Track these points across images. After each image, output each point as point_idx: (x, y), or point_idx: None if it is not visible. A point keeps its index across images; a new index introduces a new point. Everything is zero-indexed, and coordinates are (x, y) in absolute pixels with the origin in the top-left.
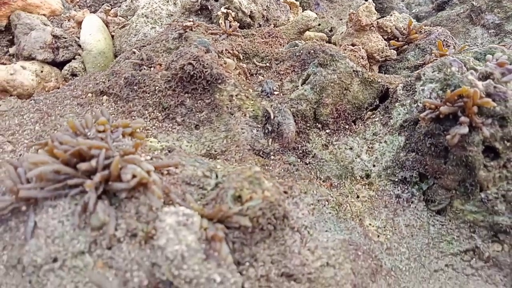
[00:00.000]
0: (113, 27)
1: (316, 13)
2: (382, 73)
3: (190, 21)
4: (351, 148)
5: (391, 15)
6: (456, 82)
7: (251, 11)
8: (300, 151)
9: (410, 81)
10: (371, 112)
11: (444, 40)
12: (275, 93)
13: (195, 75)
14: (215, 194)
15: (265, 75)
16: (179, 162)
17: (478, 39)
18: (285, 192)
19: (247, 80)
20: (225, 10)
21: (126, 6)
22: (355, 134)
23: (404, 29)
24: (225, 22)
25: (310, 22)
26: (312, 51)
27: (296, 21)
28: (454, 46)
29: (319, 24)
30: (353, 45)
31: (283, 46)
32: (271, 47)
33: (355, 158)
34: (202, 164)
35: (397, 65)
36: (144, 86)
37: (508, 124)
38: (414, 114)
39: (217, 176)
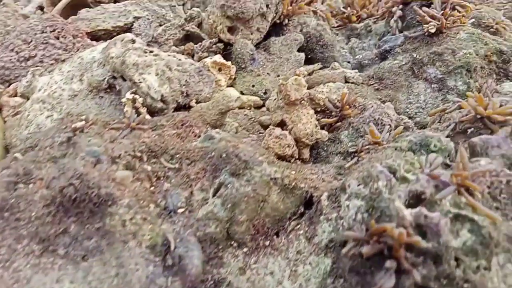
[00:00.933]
0: (8, 111)
1: (252, 70)
2: (313, 157)
3: (82, 120)
4: (271, 273)
5: (325, 85)
6: (383, 207)
7: (162, 95)
8: (211, 282)
9: (336, 191)
10: (295, 222)
11: (379, 118)
12: (180, 210)
13: (78, 198)
14: None
15: (173, 180)
16: None
17: (421, 96)
18: None
19: (151, 188)
20: (130, 96)
21: (27, 82)
22: (277, 252)
23: (338, 101)
24: (132, 110)
25: (231, 103)
26: (224, 155)
27: (217, 101)
28: (390, 125)
29: (253, 86)
30: (281, 124)
31: (199, 136)
32: (184, 140)
33: (277, 285)
34: None
35: (329, 147)
36: (18, 212)
37: (443, 261)
38: (340, 234)
39: None
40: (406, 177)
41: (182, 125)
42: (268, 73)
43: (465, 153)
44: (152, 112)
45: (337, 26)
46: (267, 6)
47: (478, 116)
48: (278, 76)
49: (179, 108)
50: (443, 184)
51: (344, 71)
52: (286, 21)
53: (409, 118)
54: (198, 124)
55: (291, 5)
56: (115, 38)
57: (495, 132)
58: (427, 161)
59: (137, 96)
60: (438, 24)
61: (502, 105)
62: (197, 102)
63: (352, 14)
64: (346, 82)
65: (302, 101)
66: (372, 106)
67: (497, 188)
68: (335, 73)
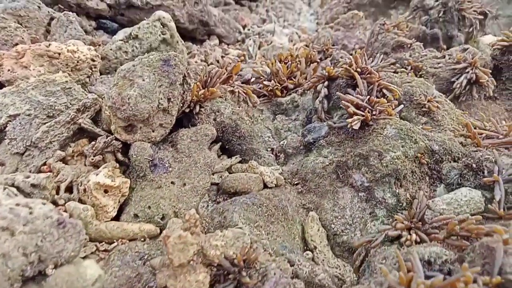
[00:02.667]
0: None
1: (153, 179)
2: None
3: None
4: None
5: (222, 232)
6: None
7: None
8: None
9: None
10: None
11: None
12: None
13: None
14: None
15: None
16: None
17: (347, 209)
18: None
19: None
20: None
21: None
22: None
23: (235, 257)
24: None
25: None
26: None
27: (71, 281)
28: None
29: (149, 207)
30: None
31: None
32: None
33: None
34: None
35: None
36: None
37: None
38: None
39: None
40: None
41: None
42: (172, 182)
43: None
44: None
45: (262, 97)
46: (169, 100)
47: None
48: (185, 185)
49: (32, 277)
50: None
51: (262, 172)
52: (198, 108)
53: (335, 235)
54: None
55: (204, 88)
56: None
57: None
58: None
59: None
60: (363, 116)
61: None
62: (57, 266)
63: (276, 88)
64: (265, 187)
65: (191, 262)
66: (275, 274)
67: None
68: (251, 178)
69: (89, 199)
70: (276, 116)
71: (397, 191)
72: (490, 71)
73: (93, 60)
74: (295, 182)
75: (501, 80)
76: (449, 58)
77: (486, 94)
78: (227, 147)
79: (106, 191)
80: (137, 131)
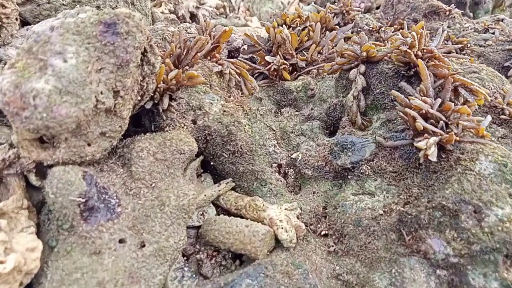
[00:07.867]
0: None
1: (87, 234)
2: None
3: None
4: None
5: None
6: None
7: None
8: None
9: None
10: None
11: None
12: None
13: None
14: None
15: None
16: None
17: None
18: None
19: None
20: None
21: None
22: None
23: None
24: None
25: None
26: None
27: None
28: None
29: None
30: None
31: None
32: None
33: None
34: None
35: None
36: None
37: None
38: None
39: None
40: None
41: None
42: (121, 240)
43: None
44: None
45: (259, 77)
46: (116, 93)
47: None
48: (143, 245)
49: None
50: None
51: (273, 220)
52: (166, 102)
53: None
54: None
55: (176, 66)
56: None
57: None
58: None
59: None
60: (438, 136)
61: None
62: None
63: (283, 68)
64: (278, 243)
65: None
66: None
67: None
68: (257, 235)
69: None
70: (282, 110)
71: (507, 276)
72: None
73: (4, 7)
74: (323, 232)
75: None
76: (500, 34)
77: None
78: (212, 163)
79: None
80: (61, 144)
